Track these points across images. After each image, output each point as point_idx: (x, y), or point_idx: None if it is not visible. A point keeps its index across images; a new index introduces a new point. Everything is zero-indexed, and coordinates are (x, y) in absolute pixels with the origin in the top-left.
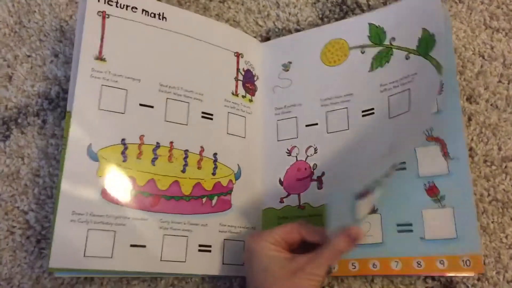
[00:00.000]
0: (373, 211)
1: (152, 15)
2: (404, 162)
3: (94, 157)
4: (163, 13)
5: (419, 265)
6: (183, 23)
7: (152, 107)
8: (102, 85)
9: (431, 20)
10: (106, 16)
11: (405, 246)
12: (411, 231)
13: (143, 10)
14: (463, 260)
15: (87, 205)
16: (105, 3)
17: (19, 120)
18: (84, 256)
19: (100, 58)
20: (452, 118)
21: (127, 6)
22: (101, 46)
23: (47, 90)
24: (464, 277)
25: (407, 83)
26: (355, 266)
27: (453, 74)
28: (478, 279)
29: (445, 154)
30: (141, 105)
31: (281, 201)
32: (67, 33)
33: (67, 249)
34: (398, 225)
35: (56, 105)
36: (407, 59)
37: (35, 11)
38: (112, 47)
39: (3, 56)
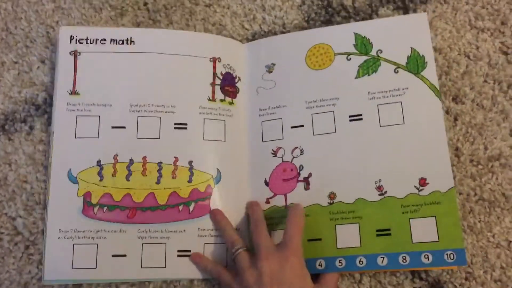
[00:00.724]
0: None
1: (121, 42)
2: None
3: (73, 180)
4: (130, 38)
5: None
6: (151, 42)
7: (124, 127)
8: (77, 116)
9: (420, 41)
10: (78, 54)
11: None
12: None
13: (111, 39)
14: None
15: (70, 223)
16: (76, 42)
17: (6, 127)
18: (72, 268)
19: (74, 92)
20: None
21: (96, 40)
22: (74, 82)
23: (34, 96)
24: (451, 276)
25: (398, 96)
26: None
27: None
28: (466, 278)
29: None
30: (113, 127)
31: (267, 202)
32: (53, 39)
33: (57, 263)
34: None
35: (43, 111)
36: (396, 72)
37: (21, 18)
38: (84, 80)
39: None
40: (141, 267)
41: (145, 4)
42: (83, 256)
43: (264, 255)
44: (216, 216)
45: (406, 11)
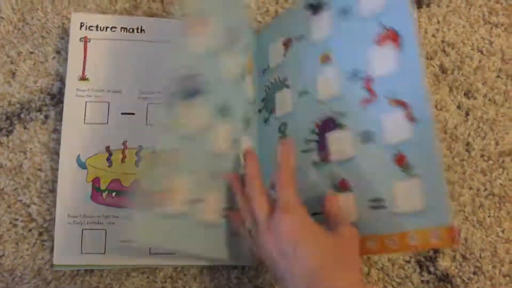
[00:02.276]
0: (347, 189)
1: (131, 30)
2: (372, 132)
3: (82, 165)
4: (141, 27)
5: (394, 243)
6: (160, 31)
7: (133, 114)
8: (86, 101)
9: None
10: (88, 40)
11: (379, 223)
12: (384, 207)
13: (121, 27)
14: (434, 233)
15: (79, 208)
16: (86, 29)
17: (22, 115)
18: (81, 253)
19: (83, 78)
20: (413, 78)
21: (106, 27)
22: (84, 68)
23: (49, 85)
24: (460, 270)
25: None
26: None
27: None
28: (474, 273)
29: (408, 117)
30: (122, 113)
31: None
32: (69, 30)
33: (66, 247)
34: (370, 200)
35: (58, 100)
36: None
37: (38, 9)
38: (94, 67)
39: (7, 53)
40: (150, 253)
41: None
42: (92, 241)
43: (260, 221)
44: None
45: (419, 5)
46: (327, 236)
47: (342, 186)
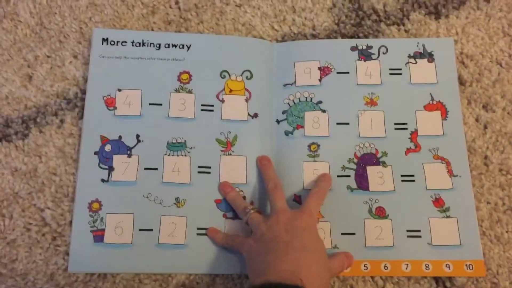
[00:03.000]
0: (383, 216)
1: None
2: (413, 175)
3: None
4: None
5: (427, 268)
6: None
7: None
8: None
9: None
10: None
11: (414, 250)
12: (419, 236)
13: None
14: (466, 265)
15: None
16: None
17: (38, 119)
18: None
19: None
20: (455, 142)
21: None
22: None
23: (65, 90)
24: (476, 286)
25: None
26: (367, 267)
27: (457, 102)
28: None
29: (450, 172)
30: None
31: None
32: (86, 35)
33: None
34: (408, 230)
35: (74, 105)
36: None
37: (55, 13)
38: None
39: (24, 56)
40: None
41: (177, 2)
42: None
43: (279, 210)
44: (224, 188)
45: (438, 16)
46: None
47: (378, 214)
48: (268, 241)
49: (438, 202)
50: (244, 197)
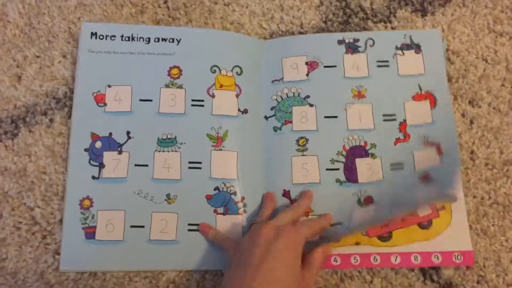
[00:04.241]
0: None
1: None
2: (401, 163)
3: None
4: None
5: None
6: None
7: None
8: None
9: None
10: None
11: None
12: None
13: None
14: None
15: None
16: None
17: (27, 119)
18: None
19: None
20: (445, 128)
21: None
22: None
23: (54, 89)
24: (463, 279)
25: None
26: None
27: (446, 91)
28: (478, 282)
29: (439, 153)
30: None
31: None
32: (75, 34)
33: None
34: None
35: (63, 104)
36: None
37: (44, 13)
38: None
39: (13, 57)
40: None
41: (165, 1)
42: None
43: (263, 227)
44: (204, 229)
45: (424, 13)
46: (298, 275)
47: (366, 202)
48: (244, 254)
49: (424, 177)
50: (234, 193)
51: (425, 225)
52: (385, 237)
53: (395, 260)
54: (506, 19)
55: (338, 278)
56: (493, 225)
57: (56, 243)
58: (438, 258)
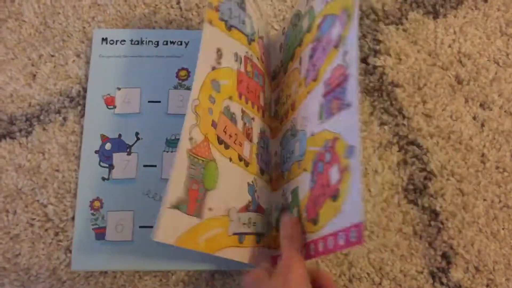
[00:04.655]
0: None
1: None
2: None
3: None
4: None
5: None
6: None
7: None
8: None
9: None
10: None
11: None
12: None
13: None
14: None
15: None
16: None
17: (41, 117)
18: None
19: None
20: None
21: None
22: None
23: (68, 88)
24: (472, 282)
25: None
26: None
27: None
28: (487, 285)
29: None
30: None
31: None
32: (89, 34)
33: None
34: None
35: (76, 103)
36: None
37: (59, 13)
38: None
39: (28, 55)
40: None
41: (178, 2)
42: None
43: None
44: None
45: (436, 16)
46: None
47: None
48: None
49: None
50: None
51: (335, 196)
52: (315, 219)
53: (322, 247)
54: None
55: (347, 279)
56: (503, 229)
57: (68, 240)
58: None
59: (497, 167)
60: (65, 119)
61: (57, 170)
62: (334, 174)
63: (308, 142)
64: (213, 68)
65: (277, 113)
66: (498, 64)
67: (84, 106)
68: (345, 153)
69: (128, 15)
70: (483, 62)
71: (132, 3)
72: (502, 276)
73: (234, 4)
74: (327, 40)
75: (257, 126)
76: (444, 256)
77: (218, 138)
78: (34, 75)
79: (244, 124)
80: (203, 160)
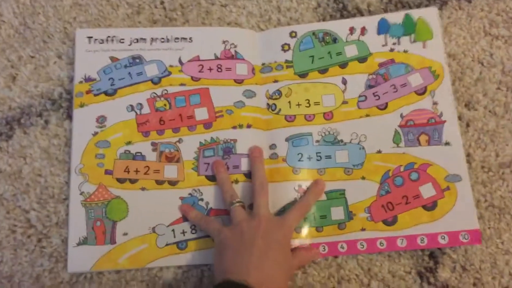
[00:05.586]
0: None
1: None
2: None
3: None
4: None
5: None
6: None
7: None
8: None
9: None
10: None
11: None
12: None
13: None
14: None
15: None
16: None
17: (22, 120)
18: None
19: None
20: None
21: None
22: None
23: (50, 90)
24: (459, 281)
25: None
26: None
27: None
28: (474, 284)
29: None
30: None
31: None
32: (71, 34)
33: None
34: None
35: (58, 105)
36: None
37: (39, 13)
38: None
39: (7, 57)
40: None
41: (162, 2)
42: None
43: (263, 216)
44: (218, 167)
45: None
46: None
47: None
48: (245, 241)
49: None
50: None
51: (429, 206)
52: (390, 221)
53: (401, 243)
54: (502, 22)
55: (336, 281)
56: (489, 228)
57: (51, 246)
58: (444, 238)
59: (482, 167)
60: (47, 122)
61: (40, 175)
62: (426, 190)
63: (369, 156)
64: (96, 133)
65: (275, 107)
66: (482, 64)
67: (67, 109)
68: (445, 177)
69: (111, 15)
70: (467, 62)
71: (114, 3)
72: (488, 275)
73: (120, 66)
74: (400, 83)
75: (192, 142)
76: (432, 256)
77: (118, 179)
78: (14, 77)
79: (161, 152)
80: (102, 202)
